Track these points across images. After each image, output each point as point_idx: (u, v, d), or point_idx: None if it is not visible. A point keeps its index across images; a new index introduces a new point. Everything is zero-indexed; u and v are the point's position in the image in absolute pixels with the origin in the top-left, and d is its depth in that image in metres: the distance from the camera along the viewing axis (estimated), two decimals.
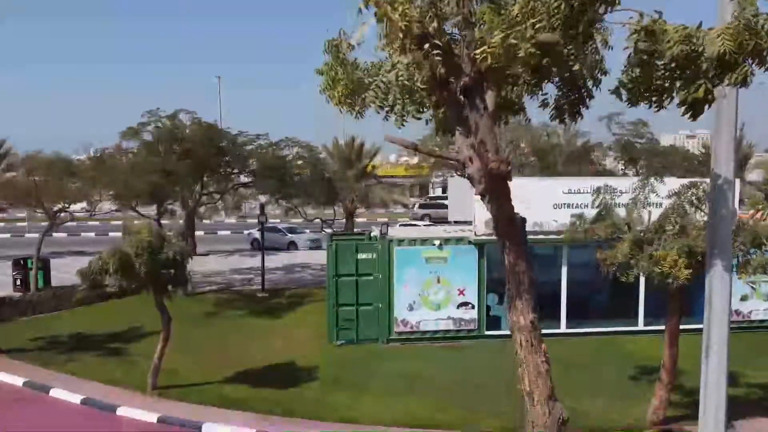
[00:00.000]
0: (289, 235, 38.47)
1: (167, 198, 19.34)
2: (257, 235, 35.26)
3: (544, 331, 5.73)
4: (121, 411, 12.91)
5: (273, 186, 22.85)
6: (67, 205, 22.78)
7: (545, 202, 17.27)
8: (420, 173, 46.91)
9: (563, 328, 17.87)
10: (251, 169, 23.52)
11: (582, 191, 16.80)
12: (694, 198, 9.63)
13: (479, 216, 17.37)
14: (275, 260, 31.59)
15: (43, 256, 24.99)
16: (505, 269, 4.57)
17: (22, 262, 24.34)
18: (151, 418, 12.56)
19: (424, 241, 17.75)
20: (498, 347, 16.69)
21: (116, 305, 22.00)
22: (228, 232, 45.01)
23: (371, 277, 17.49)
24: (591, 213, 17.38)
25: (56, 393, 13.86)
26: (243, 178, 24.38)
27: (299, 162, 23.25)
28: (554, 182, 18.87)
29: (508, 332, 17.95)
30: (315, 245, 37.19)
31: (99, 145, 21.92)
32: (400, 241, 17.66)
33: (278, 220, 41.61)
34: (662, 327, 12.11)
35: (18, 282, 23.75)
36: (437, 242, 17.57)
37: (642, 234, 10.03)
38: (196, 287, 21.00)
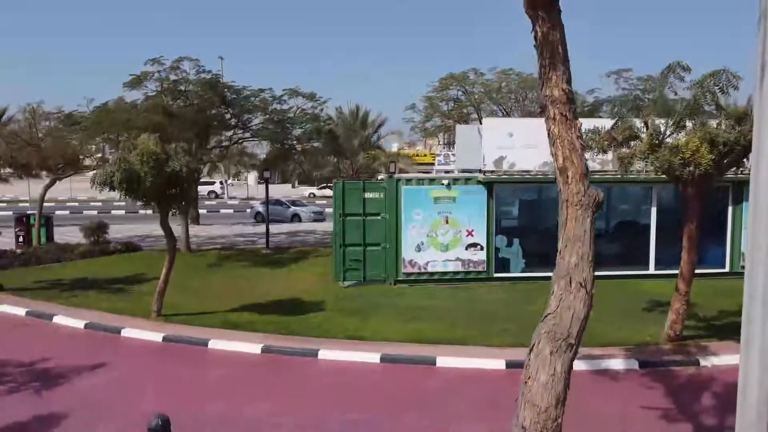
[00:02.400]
0: (293, 207, 38.29)
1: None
2: (260, 208, 35.15)
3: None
4: (126, 333, 12.66)
5: (276, 136, 22.48)
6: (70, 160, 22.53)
7: None
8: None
9: None
10: (255, 124, 23.15)
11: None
12: (716, 87, 9.29)
13: (488, 155, 17.13)
14: (279, 228, 31.42)
15: (46, 213, 24.86)
16: (537, 42, 4.27)
17: (24, 219, 24.18)
18: (157, 337, 12.31)
19: (432, 181, 17.47)
20: (507, 288, 16.53)
21: (120, 258, 21.82)
22: (230, 211, 44.82)
23: (378, 217, 17.20)
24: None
25: (59, 320, 13.63)
26: (247, 136, 23.95)
27: (304, 117, 22.81)
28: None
29: (517, 275, 18.19)
30: (318, 218, 37.07)
31: (103, 100, 21.44)
32: (408, 181, 17.38)
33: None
34: (673, 271, 11.83)
35: (20, 239, 23.57)
36: (446, 181, 17.28)
37: (661, 128, 9.72)
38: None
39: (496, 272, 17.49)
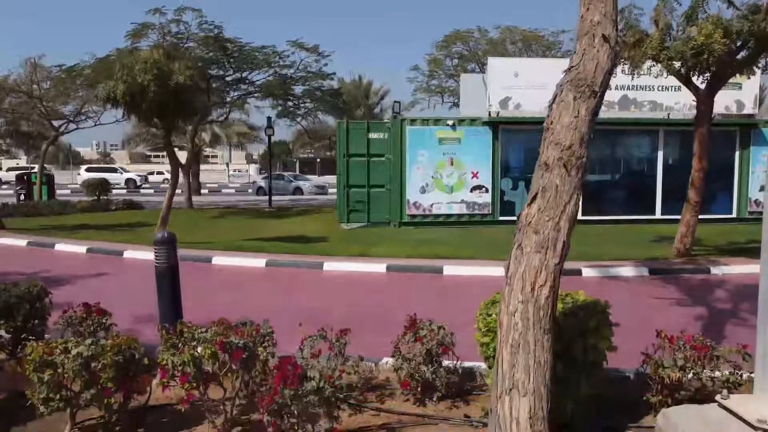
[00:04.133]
0: (295, 181, 38.22)
1: (192, 108, 18.51)
2: (263, 183, 35.10)
3: None
4: (128, 254, 12.53)
5: (278, 91, 22.27)
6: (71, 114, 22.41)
7: None
8: None
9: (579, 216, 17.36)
10: (257, 80, 22.94)
11: None
12: None
13: (493, 96, 16.97)
14: (281, 198, 31.33)
15: (48, 171, 24.78)
16: None
17: (25, 177, 24.10)
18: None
19: (437, 121, 17.30)
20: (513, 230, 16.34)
21: (121, 214, 21.70)
22: (233, 190, 44.60)
23: (383, 159, 17.05)
24: (609, 95, 17.14)
25: (61, 246, 13.52)
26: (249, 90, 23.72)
27: (307, 73, 22.59)
28: None
29: None
30: (320, 192, 36.98)
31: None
32: (413, 121, 17.22)
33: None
34: (677, 216, 11.64)
35: (22, 196, 23.49)
36: (450, 122, 17.12)
37: (672, 23, 9.55)
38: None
39: (501, 215, 17.33)
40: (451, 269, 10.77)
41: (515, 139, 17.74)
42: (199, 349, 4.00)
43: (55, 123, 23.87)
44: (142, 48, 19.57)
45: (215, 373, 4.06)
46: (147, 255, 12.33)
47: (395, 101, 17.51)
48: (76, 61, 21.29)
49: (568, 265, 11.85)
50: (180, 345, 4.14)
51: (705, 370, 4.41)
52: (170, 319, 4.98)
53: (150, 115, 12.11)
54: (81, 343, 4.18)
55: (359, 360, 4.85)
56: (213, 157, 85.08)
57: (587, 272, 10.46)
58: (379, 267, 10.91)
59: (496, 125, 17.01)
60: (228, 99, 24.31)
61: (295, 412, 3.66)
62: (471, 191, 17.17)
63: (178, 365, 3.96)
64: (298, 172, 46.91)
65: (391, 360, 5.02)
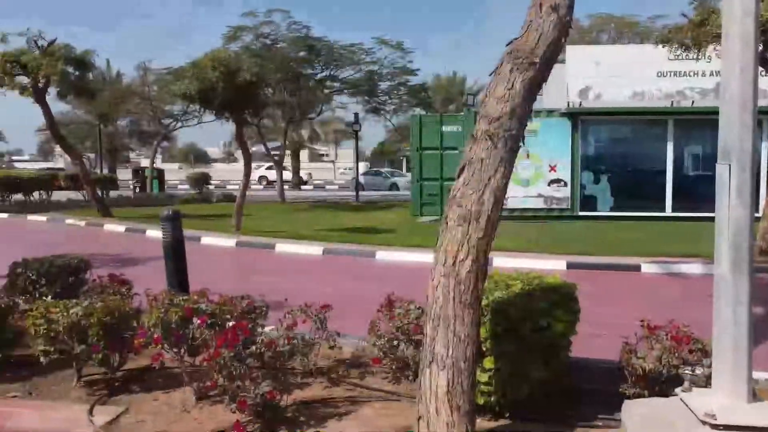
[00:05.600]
0: (392, 177, 38.81)
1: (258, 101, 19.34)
2: (361, 179, 35.99)
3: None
4: (204, 240, 13.49)
5: (364, 87, 22.80)
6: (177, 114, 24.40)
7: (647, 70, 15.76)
8: None
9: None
10: (344, 77, 23.61)
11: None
12: None
13: (572, 86, 16.33)
14: (374, 194, 31.98)
15: (159, 166, 27.17)
16: None
17: (139, 171, 26.62)
18: (231, 243, 13.02)
19: None
20: (593, 225, 15.59)
21: (218, 205, 23.22)
22: (336, 186, 45.85)
23: (456, 151, 16.93)
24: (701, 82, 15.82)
25: (150, 233, 14.78)
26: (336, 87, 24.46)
27: (392, 69, 22.93)
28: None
29: (605, 214, 17.07)
30: None
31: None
32: None
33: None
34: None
35: (136, 189, 26.02)
36: None
37: None
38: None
39: (581, 210, 16.63)
40: (503, 260, 10.55)
41: (596, 131, 16.92)
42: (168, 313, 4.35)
43: (166, 122, 26.05)
44: (233, 49, 20.90)
45: (191, 337, 4.41)
46: (220, 242, 13.28)
47: (468, 93, 17.34)
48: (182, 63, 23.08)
49: (625, 260, 11.38)
50: (161, 309, 4.52)
51: (684, 364, 4.12)
52: (177, 287, 5.44)
53: (221, 110, 12.95)
54: (79, 304, 4.71)
55: (336, 335, 5.00)
56: (326, 155, 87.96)
57: (647, 268, 9.86)
58: (430, 258, 10.92)
59: (576, 116, 16.34)
60: (320, 96, 25.24)
61: (237, 373, 3.89)
62: (548, 185, 16.64)
63: (149, 326, 4.34)
64: (405, 170, 47.43)
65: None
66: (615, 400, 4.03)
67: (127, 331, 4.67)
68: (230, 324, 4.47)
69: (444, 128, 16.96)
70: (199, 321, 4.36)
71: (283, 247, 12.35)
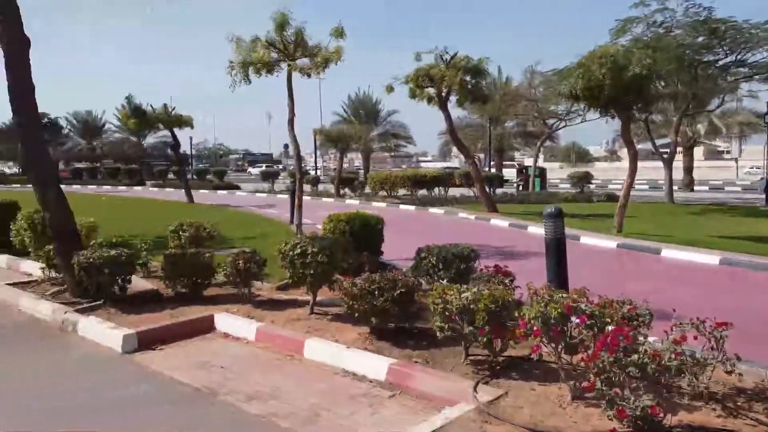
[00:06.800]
0: None
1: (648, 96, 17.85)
2: None
3: None
4: (585, 240, 13.32)
5: None
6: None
7: None
8: None
9: None
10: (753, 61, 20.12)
11: None
12: None
13: None
14: None
15: (541, 165, 28.05)
16: None
17: (523, 170, 27.98)
18: (611, 244, 12.56)
19: None
20: None
21: (599, 204, 22.68)
22: (739, 188, 38.82)
23: None
24: None
25: (532, 229, 15.39)
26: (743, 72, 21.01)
27: None
28: None
29: None
30: None
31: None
32: None
33: None
34: None
35: (520, 187, 27.45)
36: None
37: None
38: None
39: None
40: None
41: None
42: (548, 308, 4.45)
43: (550, 122, 26.66)
44: (621, 43, 19.99)
45: (569, 335, 4.44)
46: (599, 242, 12.95)
47: None
48: (566, 64, 23.23)
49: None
50: (541, 303, 4.67)
51: None
52: (556, 284, 5.54)
53: (607, 106, 12.51)
54: (469, 289, 5.21)
55: (735, 359, 4.35)
56: (726, 152, 77.35)
57: None
58: None
59: None
60: (722, 85, 22.18)
61: (616, 379, 3.74)
62: None
63: (530, 318, 4.52)
64: None
65: None
66: None
67: (509, 320, 4.95)
68: (609, 328, 4.32)
69: None
70: (578, 320, 4.34)
71: (671, 252, 11.30)
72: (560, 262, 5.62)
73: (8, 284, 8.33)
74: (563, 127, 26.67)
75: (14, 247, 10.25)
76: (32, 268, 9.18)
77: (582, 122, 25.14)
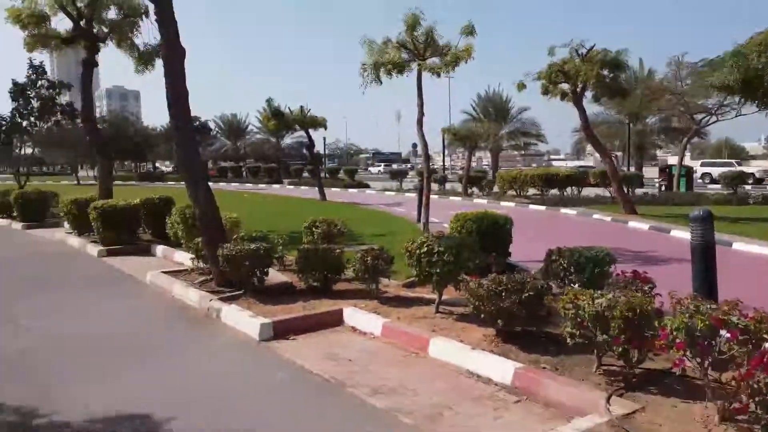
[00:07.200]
0: None
1: None
2: None
3: None
4: (737, 246, 12.10)
5: None
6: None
7: None
8: None
9: None
10: None
11: None
12: None
13: None
14: None
15: (687, 164, 25.88)
16: None
17: (666, 169, 25.97)
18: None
19: None
20: None
21: (755, 207, 20.54)
22: None
23: None
24: None
25: (676, 233, 14.23)
26: None
27: None
28: None
29: None
30: None
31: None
32: None
33: None
34: None
35: (662, 187, 25.53)
36: None
37: None
38: None
39: None
40: None
41: None
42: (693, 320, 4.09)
43: (698, 117, 24.51)
44: None
45: (718, 350, 4.05)
46: (757, 248, 11.72)
47: None
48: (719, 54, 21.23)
49: None
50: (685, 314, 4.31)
51: None
52: (703, 294, 5.08)
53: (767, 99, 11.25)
54: (604, 295, 4.93)
55: None
56: None
57: None
58: None
59: None
60: None
61: None
62: None
63: (672, 329, 4.18)
64: None
65: None
66: None
67: (647, 330, 4.62)
68: (767, 345, 3.89)
69: None
70: (728, 334, 3.95)
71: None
72: (708, 270, 5.13)
73: (164, 272, 9.22)
74: (714, 122, 24.38)
75: (169, 238, 11.34)
76: (184, 258, 10.09)
77: (736, 116, 22.82)
